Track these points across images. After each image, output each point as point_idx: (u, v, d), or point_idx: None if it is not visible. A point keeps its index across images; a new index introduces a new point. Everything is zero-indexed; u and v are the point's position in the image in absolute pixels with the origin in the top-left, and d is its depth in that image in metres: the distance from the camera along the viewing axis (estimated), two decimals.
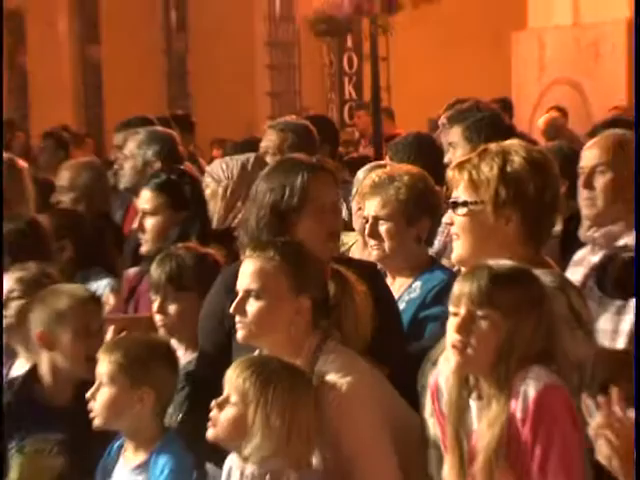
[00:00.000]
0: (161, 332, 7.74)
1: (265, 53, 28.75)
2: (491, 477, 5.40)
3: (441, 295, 6.93)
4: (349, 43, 24.48)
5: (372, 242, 7.69)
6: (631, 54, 20.29)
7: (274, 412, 5.88)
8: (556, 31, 21.83)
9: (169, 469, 6.48)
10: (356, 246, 8.54)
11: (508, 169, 6.22)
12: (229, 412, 5.95)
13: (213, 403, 6.09)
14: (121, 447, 6.78)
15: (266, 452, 5.92)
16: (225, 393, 6.06)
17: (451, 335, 5.48)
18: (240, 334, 6.31)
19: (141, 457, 6.58)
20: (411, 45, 23.31)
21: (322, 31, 24.59)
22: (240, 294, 6.26)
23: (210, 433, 6.03)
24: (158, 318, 7.73)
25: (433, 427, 5.99)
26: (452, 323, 5.49)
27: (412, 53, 23.40)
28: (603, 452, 4.96)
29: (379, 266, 7.60)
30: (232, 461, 6.18)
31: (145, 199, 9.29)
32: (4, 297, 8.30)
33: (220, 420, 5.98)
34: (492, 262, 5.64)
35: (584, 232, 7.69)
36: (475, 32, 23.35)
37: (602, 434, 4.94)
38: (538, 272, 5.86)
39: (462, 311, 5.44)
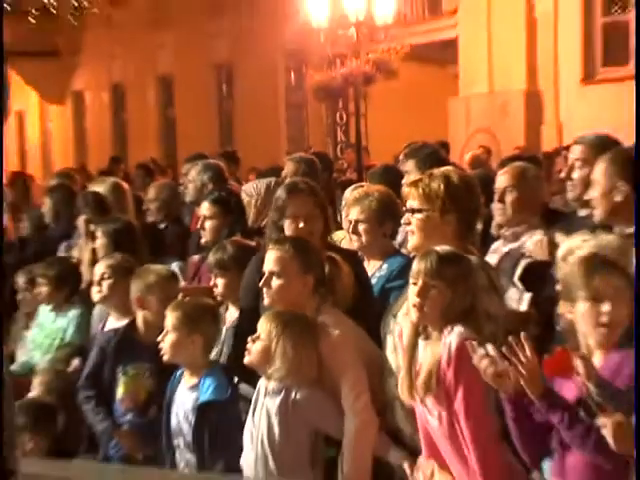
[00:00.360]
0: (217, 298, 8.30)
1: (284, 111, 29.73)
2: (428, 389, 5.92)
3: (401, 273, 7.29)
4: (340, 104, 25.50)
5: (354, 237, 8.01)
6: (527, 113, 21.50)
7: (289, 346, 6.50)
8: (477, 96, 22.61)
9: (212, 387, 7.04)
10: (345, 240, 8.62)
11: (450, 187, 6.74)
12: (259, 345, 6.60)
13: (249, 339, 6.76)
14: (182, 374, 7.35)
15: (282, 373, 6.55)
16: (257, 333, 6.70)
17: (412, 298, 5.98)
18: (266, 300, 6.94)
19: (194, 380, 7.15)
20: (381, 105, 24.32)
21: (322, 96, 25.52)
22: (266, 274, 6.90)
23: (246, 359, 6.70)
24: (214, 289, 8.26)
25: (393, 361, 6.53)
26: (412, 290, 5.99)
27: (382, 111, 24.22)
28: (511, 381, 5.36)
29: (359, 253, 7.99)
30: (260, 382, 6.77)
31: (205, 208, 9.83)
32: (97, 278, 8.72)
33: (253, 350, 6.62)
34: (438, 248, 6.12)
35: (496, 231, 8.12)
36: (424, 97, 24.30)
37: (512, 369, 5.30)
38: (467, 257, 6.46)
39: (419, 282, 5.94)
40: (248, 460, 6.66)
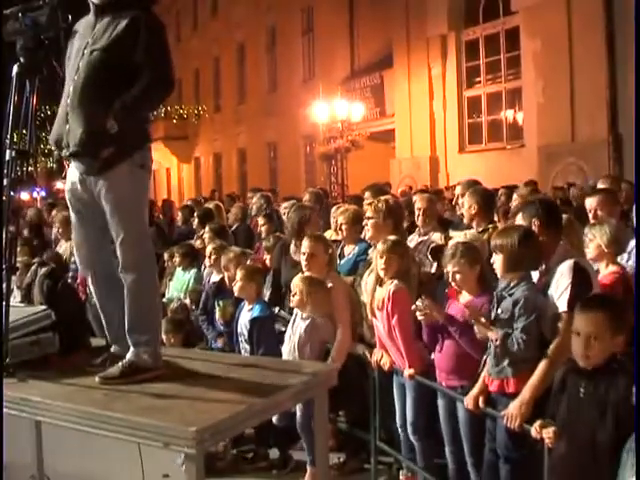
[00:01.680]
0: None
1: (303, 166, 30.40)
2: (379, 309, 5.92)
3: (365, 251, 7.15)
4: (333, 163, 25.45)
5: (340, 233, 7.70)
6: (431, 167, 22.20)
7: (313, 296, 6.34)
8: (405, 159, 23.28)
9: (259, 309, 6.84)
10: (333, 235, 8.11)
11: (390, 204, 6.88)
12: (296, 297, 6.42)
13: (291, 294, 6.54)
14: (244, 303, 7.01)
15: (309, 311, 6.41)
16: (295, 290, 6.46)
17: (380, 264, 5.87)
18: (305, 269, 6.66)
19: (250, 306, 6.92)
20: (355, 163, 24.59)
21: (323, 159, 26.30)
22: (306, 255, 6.66)
23: (292, 304, 6.53)
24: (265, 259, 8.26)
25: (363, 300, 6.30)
26: (380, 261, 5.89)
27: (355, 166, 24.51)
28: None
29: (342, 242, 7.64)
30: (296, 311, 6.59)
31: (260, 222, 10.04)
32: (208, 254, 8.38)
33: (294, 300, 6.44)
34: (390, 237, 6.07)
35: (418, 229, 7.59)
36: (377, 159, 24.30)
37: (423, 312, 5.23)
38: None
39: (385, 256, 5.85)
40: (285, 353, 6.53)
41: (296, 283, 6.48)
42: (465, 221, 7.17)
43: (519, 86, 20.40)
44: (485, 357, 4.95)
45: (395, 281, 5.83)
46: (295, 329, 6.51)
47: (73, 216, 4.46)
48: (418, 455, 5.95)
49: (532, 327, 4.60)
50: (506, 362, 4.74)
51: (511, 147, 20.58)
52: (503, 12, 20.72)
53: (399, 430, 6.11)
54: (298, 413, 6.28)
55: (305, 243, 6.73)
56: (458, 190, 7.92)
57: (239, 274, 7.02)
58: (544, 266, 4.94)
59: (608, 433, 3.60)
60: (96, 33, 4.14)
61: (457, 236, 5.85)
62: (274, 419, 6.33)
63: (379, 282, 5.96)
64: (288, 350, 6.46)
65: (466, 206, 7.15)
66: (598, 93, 17.12)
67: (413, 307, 5.34)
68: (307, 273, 6.61)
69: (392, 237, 6.06)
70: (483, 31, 21.64)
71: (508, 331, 4.66)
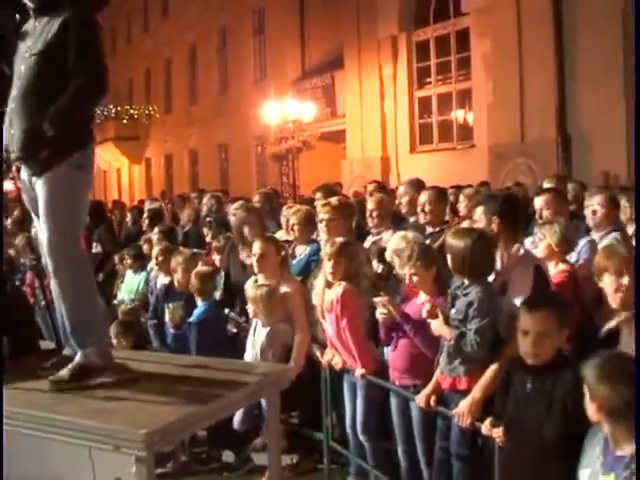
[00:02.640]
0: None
1: (255, 167, 30.27)
2: (328, 312, 5.94)
3: (317, 251, 7.07)
4: (284, 164, 25.45)
5: (292, 233, 7.68)
6: (382, 168, 22.09)
7: (266, 304, 6.35)
8: (356, 159, 23.25)
9: (205, 310, 7.01)
10: (284, 236, 8.00)
11: (341, 205, 6.94)
12: (251, 307, 6.48)
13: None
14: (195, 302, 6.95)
15: (264, 321, 6.45)
16: (248, 300, 6.48)
17: (328, 267, 5.88)
18: (256, 270, 6.62)
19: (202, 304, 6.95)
20: (306, 164, 24.70)
21: (275, 160, 26.26)
22: (257, 257, 6.60)
23: (250, 313, 6.55)
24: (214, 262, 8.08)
25: (315, 301, 6.22)
26: (328, 264, 5.89)
27: (306, 167, 24.62)
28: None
29: (294, 243, 7.60)
30: (256, 322, 6.54)
31: (205, 230, 9.74)
32: (155, 256, 8.32)
33: (250, 310, 6.52)
34: (339, 238, 6.08)
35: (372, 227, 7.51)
36: (329, 160, 24.23)
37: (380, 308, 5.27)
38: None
39: (332, 259, 5.86)
40: (247, 358, 6.50)
41: (248, 293, 6.49)
42: (420, 221, 7.16)
43: (469, 87, 20.46)
44: (438, 356, 4.99)
45: (344, 283, 5.83)
46: (257, 336, 6.51)
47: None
48: (368, 455, 5.97)
49: (485, 329, 4.62)
50: (458, 361, 4.78)
51: (461, 147, 20.64)
52: (453, 13, 20.75)
53: (348, 431, 6.14)
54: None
55: (256, 244, 6.68)
56: (402, 189, 7.92)
57: (193, 278, 7.11)
58: (501, 264, 4.99)
59: (555, 428, 3.66)
60: (35, 36, 4.19)
61: (396, 235, 5.88)
62: (235, 424, 6.37)
63: (328, 284, 5.95)
64: (251, 357, 6.45)
65: (420, 206, 7.15)
66: (547, 94, 17.25)
67: (377, 300, 5.35)
68: (259, 275, 6.57)
69: (340, 239, 6.05)
70: (434, 32, 21.65)
71: (462, 330, 4.70)
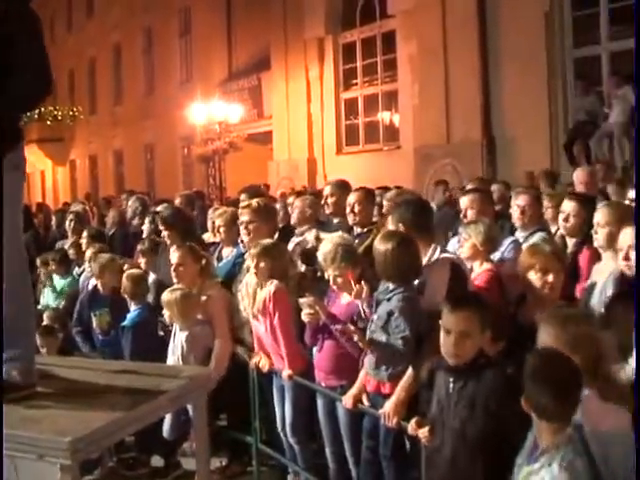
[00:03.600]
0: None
1: (181, 168, 30.08)
2: (260, 312, 5.95)
3: (241, 255, 6.99)
4: (211, 165, 25.09)
5: (218, 235, 7.72)
6: (309, 169, 22.22)
7: (181, 309, 6.37)
8: (283, 161, 23.24)
9: (138, 314, 6.95)
10: (210, 238, 8.21)
11: (266, 206, 6.94)
12: (167, 312, 6.48)
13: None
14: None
15: (181, 325, 6.45)
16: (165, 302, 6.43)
17: (253, 268, 5.87)
18: (175, 280, 6.68)
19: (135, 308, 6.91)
20: (232, 165, 24.57)
21: (201, 161, 25.90)
22: (174, 265, 6.67)
23: (165, 316, 6.50)
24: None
25: (241, 303, 6.24)
26: (252, 265, 5.92)
27: (233, 168, 24.47)
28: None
29: (220, 245, 7.66)
30: (175, 327, 6.52)
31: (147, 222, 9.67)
32: (87, 259, 8.23)
33: (165, 315, 6.52)
34: (264, 241, 6.07)
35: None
36: (256, 161, 24.37)
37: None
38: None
39: (257, 260, 5.88)
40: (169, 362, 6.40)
41: (162, 298, 6.45)
42: (349, 221, 7.15)
43: (395, 88, 20.62)
44: (363, 356, 5.03)
45: (275, 282, 5.86)
46: (177, 342, 6.48)
47: None
48: (298, 457, 5.97)
49: (407, 338, 4.65)
50: (383, 366, 4.82)
51: (388, 148, 20.80)
52: (380, 15, 20.87)
53: (280, 434, 6.12)
54: None
55: (174, 253, 6.66)
56: (327, 190, 7.87)
57: (124, 280, 7.04)
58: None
59: (478, 426, 3.70)
60: None
61: (327, 238, 5.79)
62: (164, 433, 6.35)
63: (260, 285, 5.95)
64: (173, 362, 6.40)
65: (348, 207, 7.14)
66: (472, 96, 17.42)
67: (303, 300, 5.34)
68: (179, 284, 6.56)
69: (264, 241, 6.07)
70: (360, 34, 21.78)
71: (382, 338, 4.76)
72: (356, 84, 22.15)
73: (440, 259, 5.02)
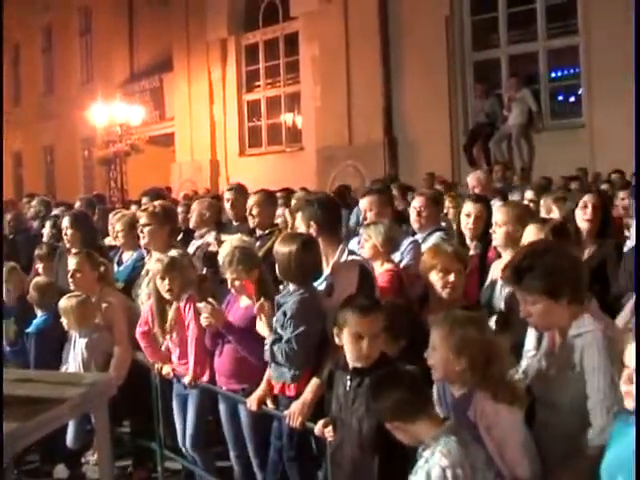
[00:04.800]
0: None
1: (82, 171, 29.72)
2: (172, 329, 5.80)
3: (143, 257, 7.00)
4: (112, 167, 24.73)
5: (116, 240, 7.63)
6: (211, 171, 22.35)
7: (76, 316, 6.21)
8: (185, 162, 23.42)
9: (43, 318, 6.76)
10: (111, 242, 8.01)
11: (165, 209, 6.73)
12: (64, 319, 6.29)
13: None
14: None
15: (81, 331, 6.30)
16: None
17: (162, 286, 5.70)
18: (72, 287, 6.51)
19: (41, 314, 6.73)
20: (134, 168, 24.12)
21: (102, 163, 25.70)
22: (71, 272, 6.48)
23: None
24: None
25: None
26: (163, 284, 5.70)
27: (134, 171, 23.98)
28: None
29: (121, 249, 7.48)
30: (73, 334, 6.37)
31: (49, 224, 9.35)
32: None
33: (63, 321, 6.30)
34: (163, 256, 5.80)
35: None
36: (157, 163, 24.16)
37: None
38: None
39: (166, 274, 5.68)
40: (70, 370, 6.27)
41: (59, 305, 6.34)
42: (251, 225, 7.15)
43: (298, 90, 20.80)
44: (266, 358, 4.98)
45: (190, 290, 5.79)
46: (77, 349, 6.39)
47: None
48: (200, 466, 5.96)
49: (297, 338, 4.65)
50: (285, 368, 4.82)
51: (290, 150, 20.94)
52: (283, 17, 21.01)
53: (181, 446, 6.06)
54: None
55: (71, 260, 6.55)
56: (226, 195, 7.90)
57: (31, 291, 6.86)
58: (326, 268, 5.04)
59: (373, 423, 3.74)
60: None
61: (227, 240, 5.72)
62: (68, 442, 6.24)
63: (169, 302, 5.83)
64: (75, 369, 6.29)
65: (248, 209, 7.16)
66: (374, 98, 17.64)
67: (201, 305, 5.31)
68: (76, 292, 6.44)
69: (167, 256, 5.84)
70: (263, 36, 21.88)
71: (276, 337, 4.78)
72: (259, 86, 22.28)
73: (349, 261, 5.04)
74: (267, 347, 4.77)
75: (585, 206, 5.65)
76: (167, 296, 5.74)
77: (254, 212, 7.02)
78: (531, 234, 4.86)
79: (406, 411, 3.32)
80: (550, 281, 3.38)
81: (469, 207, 6.10)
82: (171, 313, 5.78)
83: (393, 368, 3.76)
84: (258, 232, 7.02)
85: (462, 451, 3.19)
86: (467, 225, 6.06)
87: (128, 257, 7.36)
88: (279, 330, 4.76)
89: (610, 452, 2.89)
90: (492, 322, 4.50)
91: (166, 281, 5.69)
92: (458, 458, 3.16)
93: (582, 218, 5.68)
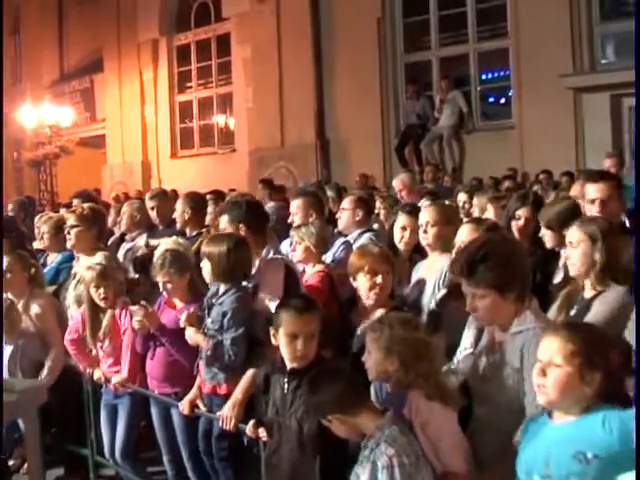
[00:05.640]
0: None
1: (12, 173, 27.71)
2: (105, 337, 5.77)
3: (69, 259, 6.96)
4: (42, 169, 24.36)
5: (41, 242, 7.54)
6: (143, 172, 22.07)
7: (7, 321, 5.98)
8: (116, 164, 23.03)
9: None
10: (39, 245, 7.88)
11: (88, 212, 6.68)
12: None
13: None
14: None
15: (8, 337, 6.05)
16: None
17: (97, 294, 5.67)
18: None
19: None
20: (64, 170, 23.46)
21: (32, 165, 25.34)
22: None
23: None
24: None
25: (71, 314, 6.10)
26: (97, 292, 5.66)
27: (64, 173, 23.40)
28: None
29: (46, 252, 7.45)
30: None
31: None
32: None
33: None
34: (94, 265, 5.76)
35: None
36: (87, 165, 23.62)
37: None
38: None
39: (100, 282, 5.65)
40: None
41: None
42: (178, 226, 7.17)
43: (230, 91, 20.72)
44: (199, 361, 5.00)
45: (124, 297, 5.77)
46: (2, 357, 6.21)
47: None
48: (130, 475, 5.89)
49: (240, 338, 4.69)
50: (217, 369, 4.83)
51: (222, 152, 20.86)
52: (215, 18, 20.91)
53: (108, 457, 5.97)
54: None
55: (4, 261, 6.44)
56: (150, 203, 7.82)
57: None
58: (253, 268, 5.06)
59: (313, 424, 3.76)
60: None
61: (162, 243, 5.74)
62: None
63: (101, 309, 5.79)
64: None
65: (179, 212, 7.18)
66: (306, 99, 17.68)
67: (134, 308, 5.27)
68: (7, 293, 6.32)
69: (98, 264, 5.82)
70: (195, 36, 21.77)
71: (219, 340, 4.75)
72: (191, 87, 22.16)
73: (274, 259, 5.09)
74: (209, 352, 4.75)
75: (519, 218, 5.63)
76: (102, 304, 5.73)
77: (185, 216, 7.11)
78: (465, 234, 4.86)
79: (348, 402, 3.37)
80: (503, 273, 3.44)
81: (403, 220, 5.93)
82: (105, 320, 5.74)
83: (330, 364, 3.85)
84: (189, 233, 7.06)
85: (406, 440, 3.27)
86: (402, 239, 5.89)
87: (52, 259, 7.33)
88: (216, 332, 4.78)
89: (525, 452, 3.02)
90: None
91: (101, 290, 5.68)
92: (403, 446, 3.23)
93: (516, 228, 5.65)
